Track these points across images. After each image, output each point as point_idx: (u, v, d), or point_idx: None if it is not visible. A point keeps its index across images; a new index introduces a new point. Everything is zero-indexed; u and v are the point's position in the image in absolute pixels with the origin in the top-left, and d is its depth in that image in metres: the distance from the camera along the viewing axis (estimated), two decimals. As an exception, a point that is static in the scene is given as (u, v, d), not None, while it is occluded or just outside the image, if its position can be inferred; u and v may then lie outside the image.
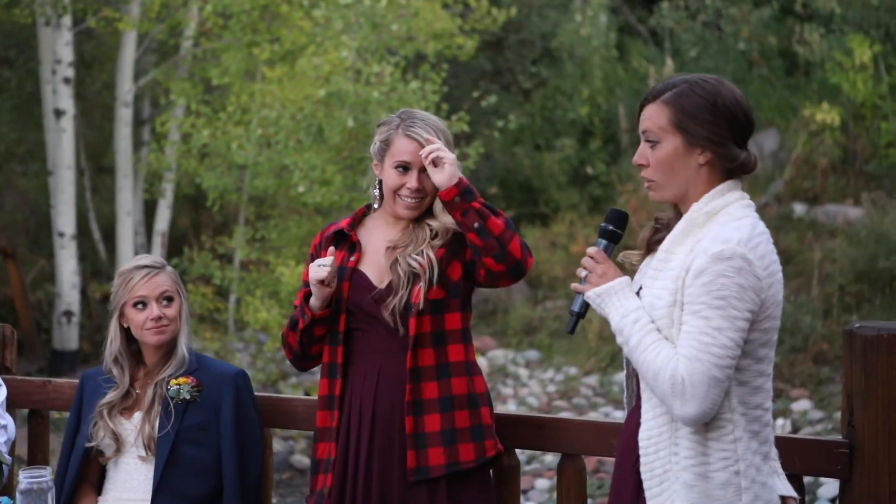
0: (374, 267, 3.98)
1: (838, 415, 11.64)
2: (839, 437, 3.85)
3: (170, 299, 4.38)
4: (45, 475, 3.74)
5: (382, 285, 3.93)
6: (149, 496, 4.29)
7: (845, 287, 13.50)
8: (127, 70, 15.13)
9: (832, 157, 16.67)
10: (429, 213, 3.99)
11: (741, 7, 20.25)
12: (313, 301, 3.94)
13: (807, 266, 14.07)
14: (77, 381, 4.66)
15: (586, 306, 3.39)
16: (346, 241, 4.05)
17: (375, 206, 4.08)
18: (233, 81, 13.37)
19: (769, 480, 3.25)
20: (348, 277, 3.96)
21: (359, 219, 4.11)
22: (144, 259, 4.47)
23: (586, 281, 3.36)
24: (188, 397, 4.30)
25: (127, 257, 15.12)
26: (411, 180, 3.91)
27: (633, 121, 19.65)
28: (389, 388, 3.91)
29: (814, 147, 16.71)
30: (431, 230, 3.93)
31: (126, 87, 15.13)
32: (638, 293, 3.33)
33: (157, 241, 15.65)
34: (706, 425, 3.16)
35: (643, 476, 3.26)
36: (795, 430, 11.79)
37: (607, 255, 3.39)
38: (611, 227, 3.42)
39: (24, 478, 3.71)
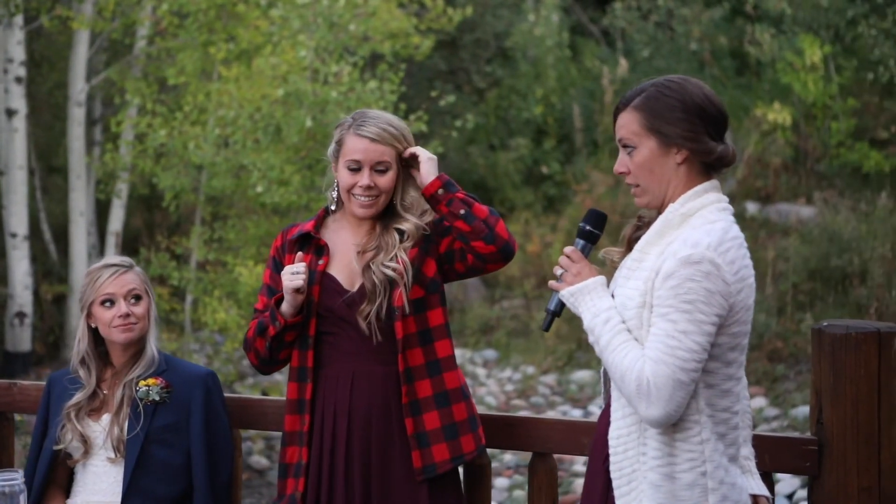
0: (343, 270, 3.98)
1: (794, 412, 11.76)
2: (808, 435, 3.90)
3: (138, 298, 4.36)
4: (17, 478, 3.73)
5: (353, 289, 3.93)
6: (118, 498, 4.26)
7: (798, 285, 13.64)
8: (80, 69, 15.01)
9: (784, 156, 16.83)
10: (392, 216, 3.99)
11: (692, 7, 20.40)
12: (285, 307, 3.92)
13: (760, 265, 14.19)
14: (42, 383, 4.63)
15: (562, 305, 3.41)
16: (313, 244, 4.04)
17: (332, 207, 4.08)
18: (189, 81, 13.29)
19: (738, 480, 3.28)
20: (318, 281, 3.95)
21: (321, 220, 4.10)
22: (113, 258, 4.46)
23: (562, 280, 3.38)
24: (157, 398, 4.28)
25: (81, 258, 15.01)
26: (363, 178, 3.91)
27: (587, 120, 19.76)
28: (364, 391, 3.91)
29: (766, 146, 16.88)
30: (401, 233, 3.94)
31: (79, 87, 15.01)
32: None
33: (111, 242, 15.54)
34: (674, 426, 3.19)
35: (612, 475, 3.29)
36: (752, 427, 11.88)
37: (584, 255, 3.42)
38: (588, 228, 3.46)
39: (-4, 481, 3.68)
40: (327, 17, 12.34)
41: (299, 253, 3.95)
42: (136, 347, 4.38)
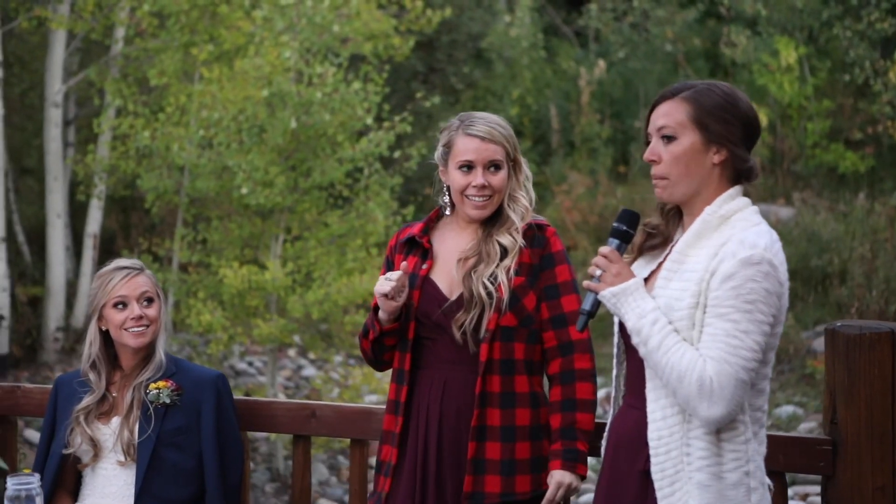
0: (446, 276, 3.95)
1: (777, 411, 11.83)
2: (822, 435, 3.92)
3: (150, 300, 4.34)
4: (34, 482, 3.69)
5: (453, 297, 3.91)
6: (127, 501, 4.23)
7: (778, 285, 13.69)
8: (56, 70, 14.91)
9: (761, 157, 16.93)
10: (495, 224, 3.95)
11: (667, 8, 20.49)
12: (381, 313, 3.91)
13: (739, 265, 14.23)
14: (47, 386, 4.60)
15: (598, 305, 3.40)
16: (419, 248, 4.02)
17: (447, 212, 4.04)
18: (170, 82, 13.23)
19: (766, 479, 3.32)
20: (419, 286, 3.93)
21: (432, 223, 4.07)
22: (123, 261, 4.43)
23: (599, 280, 3.37)
24: (168, 401, 4.26)
25: (58, 260, 14.91)
26: (476, 178, 3.88)
27: (563, 121, 19.80)
28: (454, 399, 3.90)
29: (742, 147, 16.96)
30: (501, 246, 3.89)
31: (56, 88, 14.90)
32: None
33: (89, 244, 15.44)
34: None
35: (654, 476, 3.28)
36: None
37: (620, 255, 3.40)
38: (624, 227, 3.42)
39: (12, 484, 3.65)
40: (311, 17, 12.32)
41: (403, 263, 3.91)
42: (146, 351, 4.36)
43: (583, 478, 3.88)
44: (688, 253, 3.28)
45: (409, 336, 3.95)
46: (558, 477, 3.83)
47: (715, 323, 3.16)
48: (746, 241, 3.17)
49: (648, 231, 3.49)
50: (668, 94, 3.34)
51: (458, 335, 3.85)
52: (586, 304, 3.40)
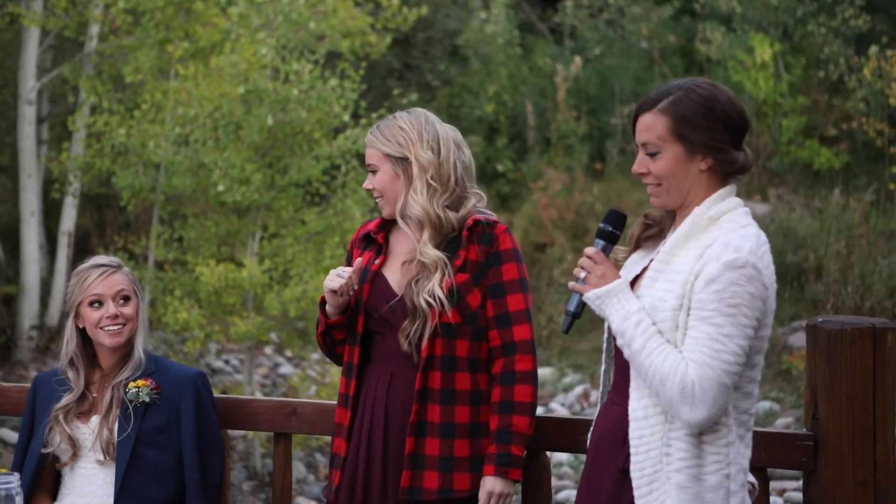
0: (397, 272, 3.96)
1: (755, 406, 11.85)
2: (804, 430, 3.93)
3: (126, 298, 4.30)
4: (13, 481, 3.67)
5: (402, 292, 3.91)
6: (106, 500, 4.21)
7: (753, 281, 13.73)
8: (30, 67, 14.82)
9: (737, 153, 16.96)
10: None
11: (643, 5, 20.53)
12: (328, 307, 3.93)
13: (715, 261, 14.27)
14: (26, 385, 4.56)
15: (583, 306, 3.39)
16: (375, 243, 4.05)
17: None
18: (145, 79, 13.17)
19: (749, 479, 3.32)
20: (370, 280, 3.95)
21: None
22: (101, 258, 4.40)
23: (584, 281, 3.36)
24: (147, 400, 4.23)
25: (32, 258, 14.83)
26: (367, 183, 3.99)
27: (539, 118, 19.81)
28: (400, 394, 3.91)
29: (718, 144, 17.01)
30: (453, 250, 3.89)
31: (29, 85, 14.81)
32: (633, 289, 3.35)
33: (63, 242, 15.33)
34: None
35: (633, 475, 3.28)
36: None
37: (606, 256, 3.39)
38: (609, 228, 3.42)
39: (-9, 484, 3.63)
40: (287, 14, 12.28)
41: (357, 260, 3.93)
42: (124, 350, 4.33)
43: (517, 482, 3.87)
44: (675, 253, 3.27)
45: (358, 330, 3.96)
46: (489, 486, 3.83)
47: (698, 326, 3.15)
48: (731, 244, 3.16)
49: (647, 222, 3.49)
50: (647, 106, 3.32)
51: (404, 344, 3.86)
52: (571, 306, 3.40)
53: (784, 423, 11.67)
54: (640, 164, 3.34)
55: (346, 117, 12.61)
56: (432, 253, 3.85)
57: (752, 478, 3.53)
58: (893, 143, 15.98)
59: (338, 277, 3.85)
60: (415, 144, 3.90)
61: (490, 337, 3.90)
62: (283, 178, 12.40)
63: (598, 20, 21.22)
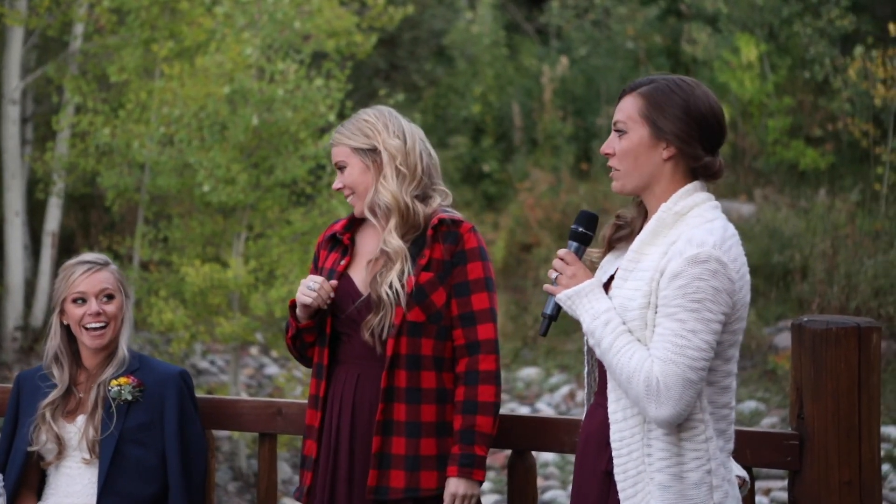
0: (362, 272, 3.97)
1: (740, 406, 11.87)
2: (789, 430, 3.92)
3: (110, 297, 4.29)
4: (-4, 483, 3.65)
5: (367, 292, 3.92)
6: (91, 500, 4.19)
7: (740, 281, 13.76)
8: (13, 67, 14.76)
9: (722, 154, 16.96)
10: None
11: (629, 6, 20.55)
12: (298, 312, 3.94)
13: (701, 261, 14.27)
14: (8, 385, 4.54)
15: (558, 308, 3.39)
16: (341, 244, 4.05)
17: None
18: (130, 78, 13.12)
19: (731, 475, 3.31)
20: (336, 280, 3.95)
21: (357, 219, 4.08)
22: (89, 256, 4.39)
23: (557, 283, 3.36)
24: (130, 398, 4.21)
25: (17, 259, 14.77)
26: (336, 182, 4.01)
27: (525, 118, 19.82)
28: (367, 393, 3.91)
29: (703, 144, 17.03)
30: (418, 245, 3.91)
31: (13, 85, 14.76)
32: (607, 289, 3.35)
33: (48, 242, 15.27)
34: (679, 426, 3.20)
35: (617, 477, 3.28)
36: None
37: (578, 257, 3.39)
38: (581, 229, 3.43)
39: (-26, 486, 3.60)
40: (272, 14, 12.25)
41: (318, 278, 3.93)
42: (108, 350, 4.31)
43: (480, 483, 3.87)
44: (643, 251, 3.28)
45: (326, 331, 3.97)
46: (453, 487, 3.84)
47: (663, 322, 3.16)
48: (694, 239, 3.16)
49: (618, 223, 3.49)
50: (628, 89, 3.36)
51: (366, 336, 3.87)
52: (547, 308, 3.41)
53: (770, 422, 11.68)
54: (608, 144, 3.37)
55: (332, 117, 12.59)
56: (395, 242, 3.88)
57: (742, 471, 3.52)
58: (879, 143, 16.01)
59: (309, 290, 3.86)
60: (381, 133, 3.93)
61: (454, 336, 3.91)
62: (269, 179, 12.37)
63: (584, 20, 21.24)
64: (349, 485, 3.92)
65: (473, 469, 3.83)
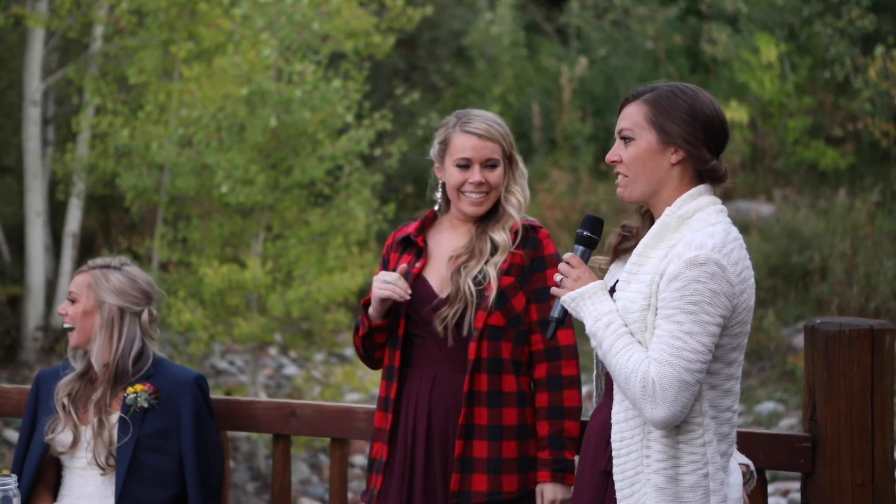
0: (438, 275, 3.99)
1: (758, 408, 11.85)
2: (802, 432, 3.92)
3: (73, 301, 4.33)
4: (10, 483, 3.67)
5: (443, 295, 3.95)
6: (106, 502, 4.21)
7: (759, 282, 13.73)
8: (35, 68, 14.82)
9: (742, 154, 16.96)
10: (490, 221, 4.00)
11: (648, 6, 20.52)
12: (371, 311, 3.96)
13: (720, 262, 14.25)
14: (26, 386, 4.58)
15: (565, 312, 3.41)
16: (414, 246, 4.07)
17: (436, 208, 4.12)
18: (149, 80, 13.17)
19: (733, 478, 3.31)
20: (411, 283, 3.96)
21: (428, 222, 4.11)
22: (99, 259, 4.43)
23: (562, 285, 3.39)
24: (146, 405, 4.22)
25: (38, 259, 14.84)
26: (473, 175, 3.97)
27: (544, 119, 19.80)
28: (443, 397, 3.94)
29: (723, 144, 17.01)
30: (493, 243, 3.95)
31: (34, 86, 14.82)
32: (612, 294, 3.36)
33: (68, 243, 15.34)
34: (677, 429, 3.21)
35: (615, 477, 3.30)
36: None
37: (583, 261, 3.41)
38: (586, 233, 3.45)
39: (-10, 485, 3.63)
40: (291, 15, 12.28)
41: (402, 266, 3.96)
42: (105, 359, 4.31)
43: (571, 487, 3.88)
44: (647, 255, 3.29)
45: (399, 333, 3.99)
46: (549, 493, 3.88)
47: (661, 325, 3.17)
48: (693, 242, 3.17)
49: (623, 234, 3.51)
50: (631, 97, 3.38)
51: (439, 328, 3.89)
52: (555, 312, 3.43)
53: (788, 423, 11.66)
54: (614, 151, 3.39)
55: (350, 118, 12.62)
56: (503, 236, 3.95)
57: (746, 459, 3.51)
58: (899, 143, 15.95)
59: (385, 284, 3.88)
60: (513, 144, 4.13)
61: (533, 341, 3.96)
62: (287, 179, 12.40)
63: (603, 21, 21.21)
64: (425, 489, 3.93)
65: (566, 474, 3.88)
